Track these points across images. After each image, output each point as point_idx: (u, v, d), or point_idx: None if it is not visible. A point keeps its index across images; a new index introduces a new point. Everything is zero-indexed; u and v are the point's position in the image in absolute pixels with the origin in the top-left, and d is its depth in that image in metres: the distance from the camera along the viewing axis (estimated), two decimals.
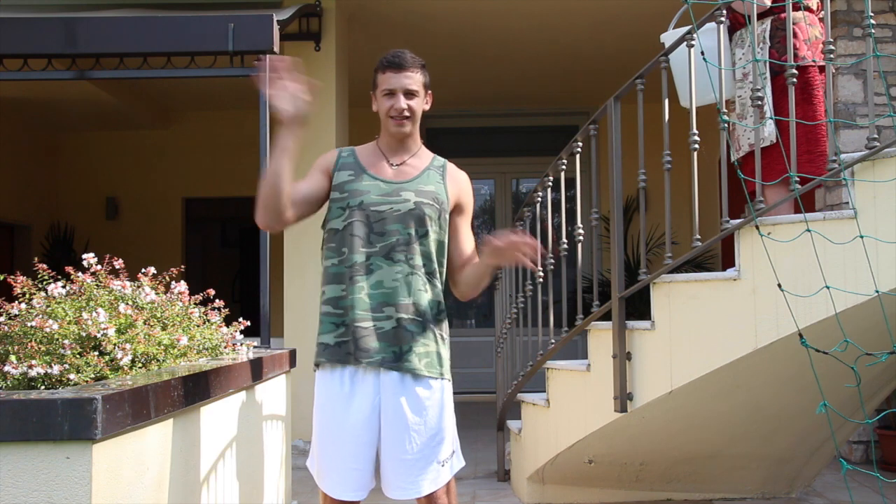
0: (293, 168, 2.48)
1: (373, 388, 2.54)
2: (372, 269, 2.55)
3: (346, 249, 2.57)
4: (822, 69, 3.94)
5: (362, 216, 2.57)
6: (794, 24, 3.85)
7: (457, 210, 2.71)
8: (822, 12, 4.05)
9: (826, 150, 3.85)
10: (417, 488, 2.55)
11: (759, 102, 3.65)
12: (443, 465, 2.58)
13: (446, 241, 2.66)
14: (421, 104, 2.65)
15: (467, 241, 2.73)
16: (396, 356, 2.53)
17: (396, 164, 2.66)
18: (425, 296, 2.58)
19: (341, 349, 2.54)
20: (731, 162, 3.65)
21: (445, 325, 2.67)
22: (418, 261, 2.58)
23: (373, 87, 2.66)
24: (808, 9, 3.97)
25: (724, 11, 3.69)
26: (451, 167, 2.75)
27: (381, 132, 2.69)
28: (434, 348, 2.59)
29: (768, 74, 3.84)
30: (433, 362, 2.57)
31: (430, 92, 2.70)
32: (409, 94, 2.61)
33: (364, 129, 8.33)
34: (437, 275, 2.63)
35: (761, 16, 3.93)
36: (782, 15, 3.89)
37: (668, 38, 4.16)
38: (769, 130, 3.81)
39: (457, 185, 2.72)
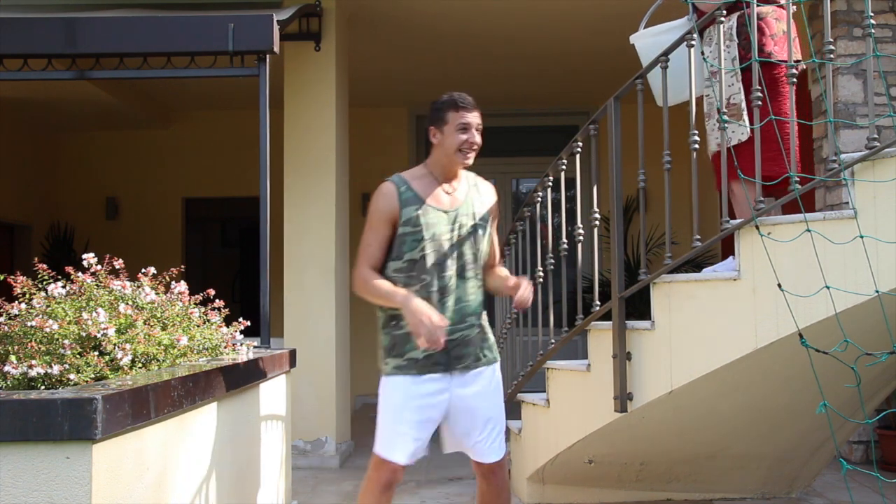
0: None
1: (446, 382, 2.97)
2: (452, 288, 2.97)
3: (427, 277, 2.95)
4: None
5: (436, 245, 2.95)
6: (760, 19, 3.79)
7: (491, 218, 3.14)
8: (794, 6, 3.98)
9: (794, 149, 3.76)
10: (499, 451, 3.05)
11: (734, 102, 3.65)
12: (506, 433, 3.13)
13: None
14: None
15: (495, 242, 3.19)
16: (479, 354, 3.03)
17: (450, 192, 3.03)
18: (482, 298, 3.09)
19: (429, 360, 2.93)
20: (732, 161, 3.65)
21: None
22: (480, 272, 3.06)
23: (438, 121, 3.00)
24: (772, 1, 3.86)
25: (724, 11, 3.67)
26: (481, 182, 3.16)
27: (435, 160, 3.03)
28: (492, 337, 3.15)
29: (739, 73, 3.74)
30: (495, 348, 3.14)
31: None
32: (478, 129, 3.01)
33: (363, 129, 8.36)
34: (483, 280, 3.12)
35: (727, 11, 3.80)
36: (749, 10, 3.81)
37: (637, 38, 4.12)
38: (732, 130, 3.78)
39: (490, 198, 3.13)
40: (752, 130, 3.66)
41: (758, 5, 3.76)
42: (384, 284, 2.93)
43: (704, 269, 3.90)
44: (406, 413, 2.94)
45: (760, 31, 3.80)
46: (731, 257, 3.71)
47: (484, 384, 3.03)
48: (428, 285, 2.93)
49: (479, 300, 3.05)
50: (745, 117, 3.75)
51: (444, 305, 2.94)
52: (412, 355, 2.94)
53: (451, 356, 2.95)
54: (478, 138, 2.99)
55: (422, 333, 2.77)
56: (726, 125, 3.77)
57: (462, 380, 2.99)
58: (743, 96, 3.75)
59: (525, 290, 3.02)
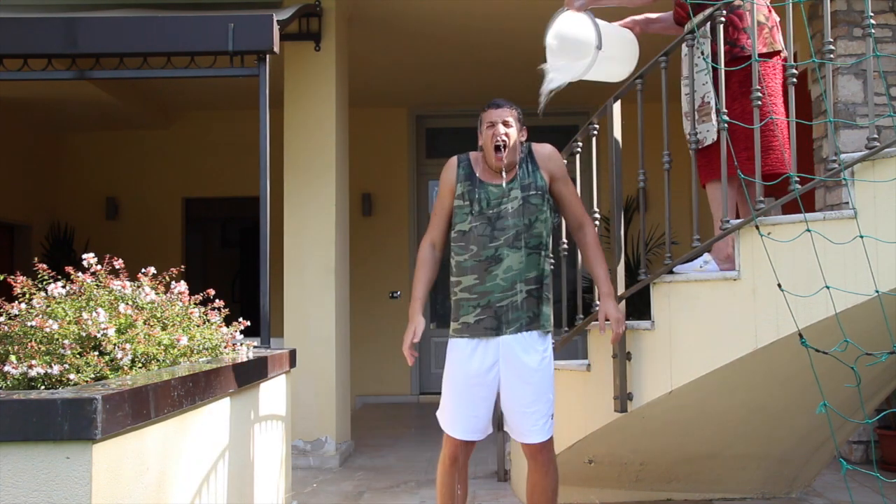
0: (428, 286, 3.37)
1: (493, 351, 3.20)
2: (501, 258, 3.20)
3: (475, 247, 3.23)
4: (770, 55, 3.74)
5: (484, 219, 3.22)
6: (733, 12, 3.75)
7: (553, 180, 3.34)
8: None
9: (776, 146, 3.70)
10: (542, 433, 3.24)
11: (707, 101, 3.64)
12: (552, 418, 3.28)
13: (550, 216, 3.31)
14: (515, 134, 3.27)
15: (572, 200, 3.42)
16: (531, 319, 3.22)
17: (503, 171, 3.26)
18: (540, 268, 3.26)
19: (480, 325, 3.21)
20: (733, 161, 3.64)
21: (551, 286, 3.34)
22: (533, 242, 3.23)
23: (479, 124, 3.31)
24: None
25: (724, 11, 3.66)
26: (536, 148, 3.35)
27: (485, 158, 3.30)
28: (547, 309, 3.29)
29: (710, 71, 3.69)
30: (548, 320, 3.28)
31: (524, 127, 3.34)
32: (505, 123, 3.25)
33: (364, 129, 8.36)
34: (547, 246, 3.30)
35: (703, 6, 3.73)
36: (725, 5, 3.69)
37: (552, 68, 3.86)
38: (707, 129, 3.77)
39: (545, 161, 3.32)
40: (718, 132, 3.64)
41: None
42: (419, 279, 3.33)
43: (675, 268, 3.84)
44: (460, 384, 3.22)
45: (733, 24, 3.76)
46: (704, 255, 3.74)
47: (532, 357, 3.21)
48: (475, 255, 3.22)
49: (531, 269, 3.22)
50: (714, 118, 3.71)
51: (491, 274, 3.20)
52: (465, 319, 3.24)
53: (501, 321, 3.19)
54: (502, 130, 3.22)
55: (404, 344, 3.25)
56: (699, 126, 3.76)
57: (514, 351, 3.19)
58: (713, 95, 3.71)
59: (615, 329, 3.38)
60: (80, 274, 3.09)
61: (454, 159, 3.36)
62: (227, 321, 3.52)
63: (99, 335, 2.79)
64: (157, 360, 2.94)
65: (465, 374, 3.21)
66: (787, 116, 3.51)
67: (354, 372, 6.59)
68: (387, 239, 9.12)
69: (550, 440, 3.29)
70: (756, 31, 3.59)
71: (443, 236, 3.38)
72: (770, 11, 3.83)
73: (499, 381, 3.22)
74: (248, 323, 3.63)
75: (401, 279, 9.04)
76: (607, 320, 3.39)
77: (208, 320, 3.38)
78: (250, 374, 3.36)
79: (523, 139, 3.34)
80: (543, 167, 3.31)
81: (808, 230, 3.10)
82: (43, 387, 2.66)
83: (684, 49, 3.85)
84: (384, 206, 9.13)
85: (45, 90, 7.38)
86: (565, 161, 4.50)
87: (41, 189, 9.26)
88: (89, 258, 3.16)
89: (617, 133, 4.01)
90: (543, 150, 3.36)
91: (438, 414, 3.34)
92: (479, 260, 3.21)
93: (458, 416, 3.24)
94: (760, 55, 3.68)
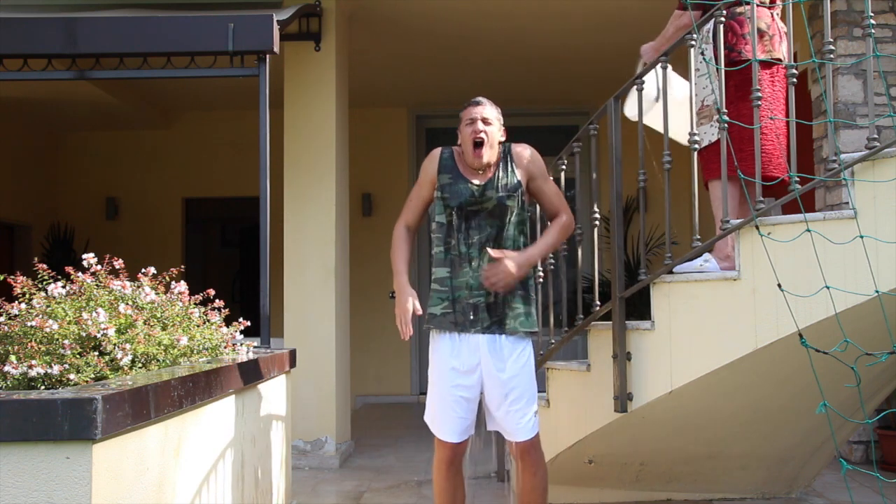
0: (407, 260, 3.36)
1: (473, 351, 3.17)
2: (473, 256, 3.20)
3: (453, 241, 3.24)
4: (769, 63, 3.75)
5: (461, 214, 3.22)
6: (733, 18, 3.77)
7: (531, 180, 3.32)
8: (777, 5, 3.93)
9: (768, 150, 3.71)
10: (527, 430, 3.19)
11: (707, 104, 3.64)
12: (536, 415, 3.23)
13: (526, 217, 3.31)
14: (496, 132, 3.26)
15: (552, 197, 3.38)
16: (499, 322, 3.18)
17: (482, 169, 3.27)
18: None
19: (445, 318, 3.21)
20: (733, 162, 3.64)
21: (532, 285, 3.31)
22: (508, 244, 3.22)
23: (459, 123, 3.30)
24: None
25: (724, 11, 3.66)
26: (515, 149, 3.33)
27: (465, 156, 3.29)
28: (525, 309, 3.23)
29: (716, 73, 3.70)
30: (525, 321, 3.22)
31: (504, 128, 3.33)
32: (485, 121, 3.24)
33: (364, 129, 8.36)
34: (523, 247, 3.26)
35: (707, 11, 3.74)
36: (728, 9, 3.72)
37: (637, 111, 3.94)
38: (705, 131, 3.78)
39: (522, 161, 3.30)
40: (719, 133, 3.65)
41: (737, 4, 3.74)
42: (398, 255, 3.33)
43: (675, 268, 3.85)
44: (445, 384, 3.20)
45: (732, 30, 3.77)
46: (705, 255, 3.75)
47: (509, 357, 3.17)
48: (452, 249, 3.23)
49: None
50: (713, 120, 3.73)
51: (463, 270, 3.20)
52: (432, 310, 3.26)
53: (467, 317, 3.18)
54: (481, 127, 3.21)
55: (397, 318, 3.17)
56: (700, 126, 3.76)
57: (491, 351, 3.16)
58: (714, 98, 3.72)
59: (496, 269, 3.12)
60: (80, 274, 3.09)
61: (438, 150, 3.35)
62: (227, 321, 3.52)
63: (99, 335, 2.80)
64: (157, 360, 2.95)
65: (448, 374, 3.19)
66: (785, 123, 3.51)
67: (354, 372, 6.59)
68: (387, 239, 9.11)
69: (537, 438, 3.27)
70: (756, 36, 3.59)
71: (417, 221, 3.41)
72: (773, 20, 3.84)
73: (482, 382, 3.20)
74: (248, 323, 3.63)
75: None
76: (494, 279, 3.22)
77: (208, 320, 3.38)
78: (250, 375, 3.36)
79: (503, 139, 3.33)
80: (521, 168, 3.29)
81: (808, 230, 3.10)
82: (43, 387, 2.66)
83: (690, 52, 3.86)
84: (384, 207, 9.13)
85: (45, 90, 7.38)
86: (565, 163, 4.53)
87: (41, 189, 9.26)
88: (89, 258, 3.17)
89: (617, 133, 4.01)
90: (522, 150, 3.33)
91: (426, 418, 3.32)
92: (454, 255, 3.23)
93: (446, 418, 3.22)
94: (758, 62, 3.69)
